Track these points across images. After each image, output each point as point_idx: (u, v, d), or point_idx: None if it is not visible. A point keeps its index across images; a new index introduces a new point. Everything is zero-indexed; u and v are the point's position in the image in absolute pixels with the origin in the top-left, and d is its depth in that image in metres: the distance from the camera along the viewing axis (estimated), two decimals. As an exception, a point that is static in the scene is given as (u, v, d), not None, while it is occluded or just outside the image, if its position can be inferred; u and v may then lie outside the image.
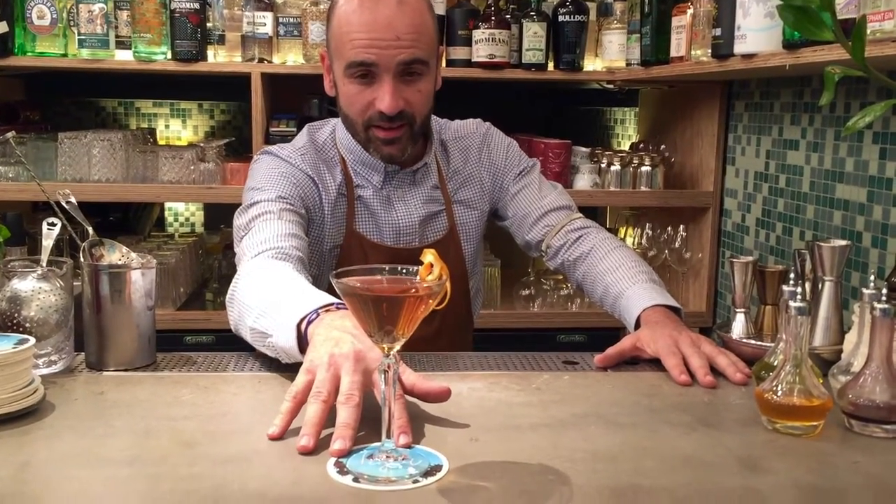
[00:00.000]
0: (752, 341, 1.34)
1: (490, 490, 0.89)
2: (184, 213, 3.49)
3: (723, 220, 2.59)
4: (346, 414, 0.99)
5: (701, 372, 1.25)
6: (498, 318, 2.63)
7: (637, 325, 1.42)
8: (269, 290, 1.27)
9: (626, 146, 3.14)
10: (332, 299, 1.18)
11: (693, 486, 0.91)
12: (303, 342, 1.15)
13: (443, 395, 1.08)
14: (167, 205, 3.39)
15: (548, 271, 2.90)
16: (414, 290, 0.90)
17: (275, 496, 0.86)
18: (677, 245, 2.67)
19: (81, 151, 2.50)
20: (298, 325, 1.16)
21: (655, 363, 1.32)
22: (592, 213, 2.62)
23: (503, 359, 1.36)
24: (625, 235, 2.89)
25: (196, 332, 2.56)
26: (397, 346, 0.92)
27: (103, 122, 3.34)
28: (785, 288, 1.12)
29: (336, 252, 1.59)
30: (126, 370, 1.26)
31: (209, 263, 2.88)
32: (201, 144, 2.60)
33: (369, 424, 1.02)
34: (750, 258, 1.36)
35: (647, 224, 2.74)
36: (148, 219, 3.25)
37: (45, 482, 0.89)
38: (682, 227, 2.67)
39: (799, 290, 1.05)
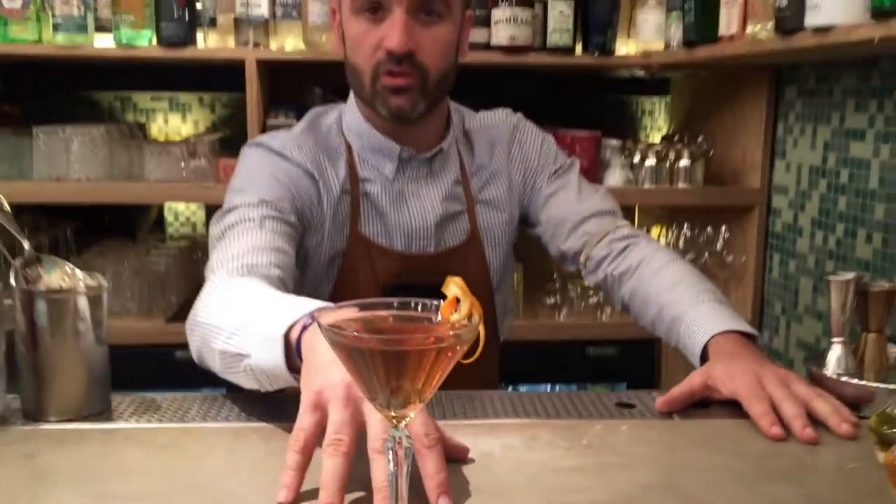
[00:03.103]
0: (854, 380, 1.07)
1: None
2: (184, 211, 3.22)
3: (771, 220, 2.32)
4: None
5: (798, 423, 0.98)
6: (520, 330, 2.34)
7: (703, 358, 1.16)
8: (242, 306, 1.02)
9: (655, 139, 2.87)
10: (330, 305, 0.92)
11: None
12: (293, 358, 0.89)
13: (459, 454, 0.86)
14: (166, 203, 3.13)
15: (575, 276, 2.64)
16: (433, 339, 0.64)
17: None
18: (718, 247, 2.42)
19: (60, 147, 2.26)
20: (287, 335, 0.90)
21: (731, 406, 1.05)
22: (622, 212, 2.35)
23: (540, 400, 1.10)
24: (658, 236, 2.62)
25: (188, 346, 2.30)
26: (410, 414, 0.66)
27: (99, 118, 3.06)
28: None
29: (337, 262, 1.33)
30: (70, 420, 1.01)
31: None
32: (191, 139, 2.35)
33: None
34: (851, 274, 1.09)
35: (685, 223, 2.48)
36: (145, 219, 3.00)
37: None
38: (723, 227, 2.41)
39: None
